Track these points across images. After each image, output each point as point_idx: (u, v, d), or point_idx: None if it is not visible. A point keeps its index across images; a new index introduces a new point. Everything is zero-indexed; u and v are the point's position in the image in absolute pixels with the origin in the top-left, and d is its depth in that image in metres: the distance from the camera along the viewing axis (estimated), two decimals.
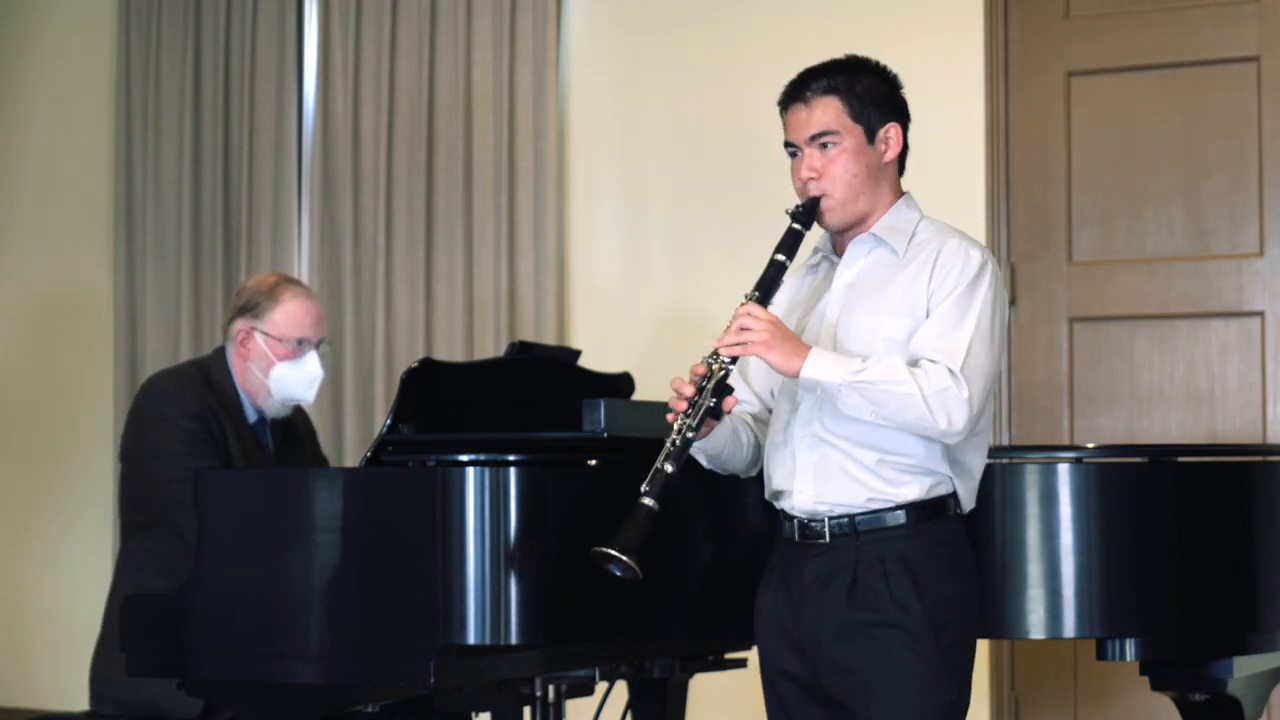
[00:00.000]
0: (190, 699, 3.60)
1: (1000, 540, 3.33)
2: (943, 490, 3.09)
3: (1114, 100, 5.24)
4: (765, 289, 3.07)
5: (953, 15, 5.29)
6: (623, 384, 4.22)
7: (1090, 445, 4.58)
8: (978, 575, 3.15)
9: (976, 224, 5.19)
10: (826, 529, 3.07)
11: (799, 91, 3.15)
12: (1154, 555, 3.38)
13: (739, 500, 3.37)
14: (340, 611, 3.25)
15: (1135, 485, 3.42)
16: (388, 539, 3.25)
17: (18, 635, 6.39)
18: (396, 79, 5.86)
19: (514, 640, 3.19)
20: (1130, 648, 3.40)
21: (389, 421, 3.45)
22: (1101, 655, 3.42)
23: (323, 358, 4.16)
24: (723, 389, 3.01)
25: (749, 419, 3.25)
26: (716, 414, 3.01)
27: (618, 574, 2.94)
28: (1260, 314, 5.07)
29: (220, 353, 4.16)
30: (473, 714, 3.98)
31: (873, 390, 2.97)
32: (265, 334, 4.09)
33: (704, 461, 3.19)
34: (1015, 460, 3.42)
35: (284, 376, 4.09)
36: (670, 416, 3.01)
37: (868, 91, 3.13)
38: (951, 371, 2.97)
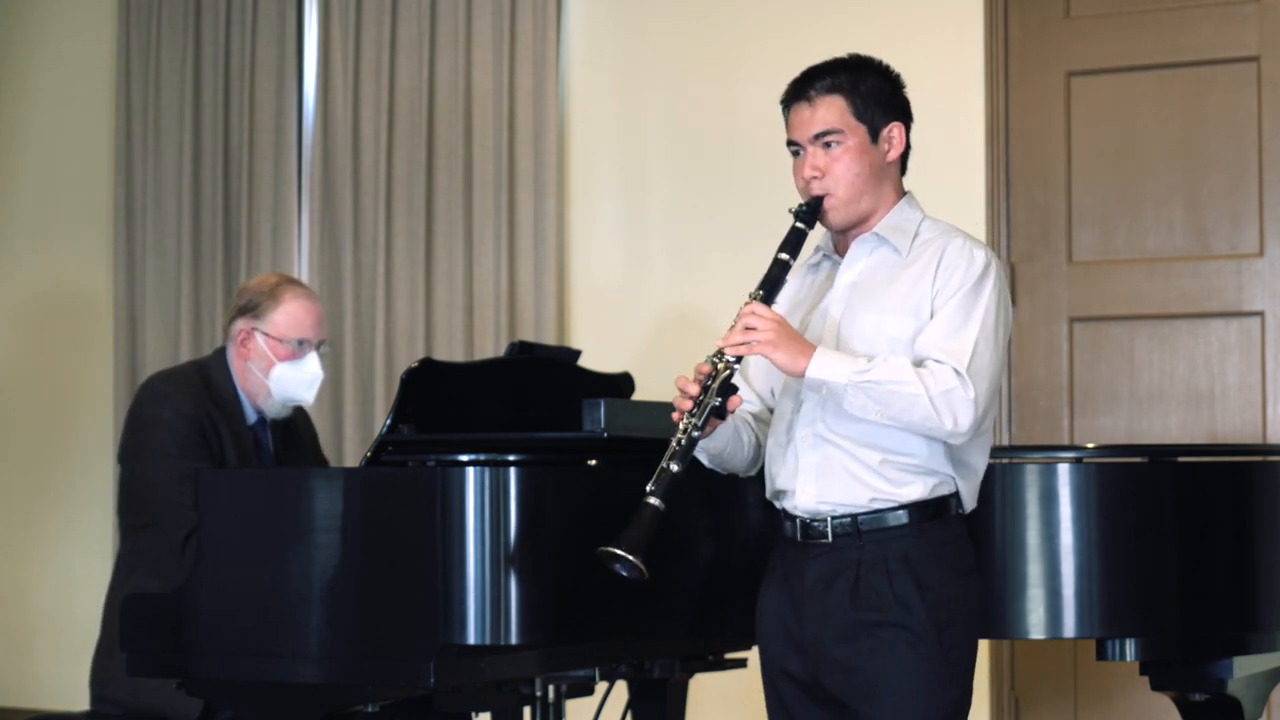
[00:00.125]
0: (190, 699, 3.60)
1: (1000, 540, 3.33)
2: (945, 490, 3.09)
3: (1114, 100, 5.24)
4: (769, 288, 3.06)
5: (952, 15, 5.29)
6: (623, 384, 4.22)
7: (1090, 445, 4.58)
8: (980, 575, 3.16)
9: (976, 224, 5.19)
10: (829, 529, 3.07)
11: (802, 90, 3.14)
12: (1154, 555, 3.38)
13: (739, 500, 3.37)
14: (340, 611, 3.25)
15: (1135, 485, 3.42)
16: (388, 539, 3.25)
17: (18, 635, 6.39)
18: (396, 79, 5.86)
19: (514, 640, 3.19)
20: (1130, 648, 3.40)
21: (389, 421, 3.45)
22: (1101, 655, 3.42)
23: (323, 359, 4.16)
24: (728, 388, 3.00)
25: (749, 418, 3.25)
26: (721, 413, 3.01)
27: (624, 574, 2.94)
28: (1260, 314, 5.07)
29: (220, 353, 4.16)
30: (473, 714, 3.98)
31: (879, 390, 2.96)
32: (265, 334, 4.09)
33: (706, 461, 3.19)
34: (1015, 460, 3.42)
35: (284, 377, 4.09)
36: (675, 416, 3.01)
37: (871, 91, 3.13)
38: (957, 372, 2.97)
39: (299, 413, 4.28)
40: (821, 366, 2.99)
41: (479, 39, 5.76)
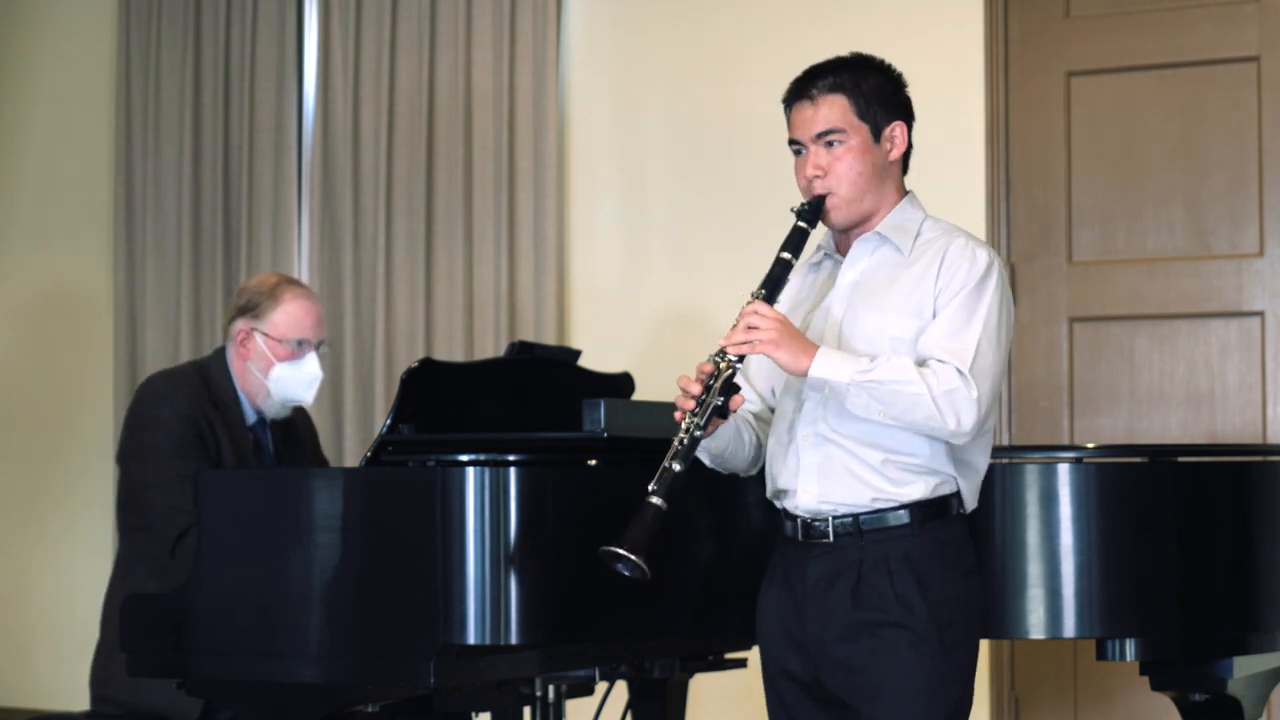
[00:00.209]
0: (190, 699, 3.60)
1: (1000, 540, 3.32)
2: (947, 490, 3.08)
3: (1114, 100, 5.24)
4: (772, 287, 3.06)
5: (952, 15, 5.29)
6: (623, 384, 4.22)
7: (1090, 445, 4.57)
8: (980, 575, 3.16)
9: (976, 224, 5.19)
10: (830, 528, 3.07)
11: (805, 89, 3.14)
12: (1154, 555, 3.38)
13: (740, 499, 3.37)
14: (340, 611, 3.25)
15: (1135, 485, 3.42)
16: (388, 539, 3.25)
17: (18, 635, 6.39)
18: (396, 79, 5.86)
19: (514, 640, 3.19)
20: (1130, 648, 3.40)
21: (389, 421, 3.45)
22: (1101, 655, 3.42)
23: (323, 359, 4.16)
24: (730, 388, 3.00)
25: (750, 418, 3.25)
26: (724, 413, 3.01)
27: (626, 573, 2.94)
28: (1260, 314, 5.07)
29: (220, 353, 4.16)
30: (473, 714, 3.98)
31: (881, 390, 2.96)
32: (265, 334, 4.09)
33: (707, 460, 3.18)
34: (1015, 460, 3.42)
35: (283, 377, 4.09)
36: (678, 415, 3.00)
37: (874, 90, 3.13)
38: (960, 372, 2.97)
39: (299, 413, 4.28)
40: (824, 366, 2.98)
41: (479, 39, 5.76)
